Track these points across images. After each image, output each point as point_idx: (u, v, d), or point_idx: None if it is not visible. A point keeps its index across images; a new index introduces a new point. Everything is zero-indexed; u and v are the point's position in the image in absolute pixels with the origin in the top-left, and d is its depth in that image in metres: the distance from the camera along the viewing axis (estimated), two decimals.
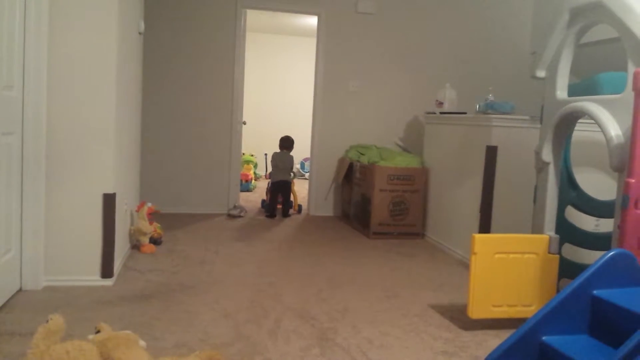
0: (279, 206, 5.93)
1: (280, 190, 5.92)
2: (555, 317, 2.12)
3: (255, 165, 8.75)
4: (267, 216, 5.84)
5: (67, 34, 3.09)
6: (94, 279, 3.25)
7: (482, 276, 2.80)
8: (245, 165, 7.94)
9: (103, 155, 3.20)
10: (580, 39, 2.92)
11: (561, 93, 2.95)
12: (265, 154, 9.37)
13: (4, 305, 2.83)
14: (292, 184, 6.05)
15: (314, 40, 6.06)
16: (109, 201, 3.23)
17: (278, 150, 6.20)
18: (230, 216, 5.66)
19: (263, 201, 6.30)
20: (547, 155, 2.99)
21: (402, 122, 6.06)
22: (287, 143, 6.16)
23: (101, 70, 3.17)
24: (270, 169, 6.45)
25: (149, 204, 4.17)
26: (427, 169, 5.09)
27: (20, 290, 3.07)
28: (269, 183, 6.12)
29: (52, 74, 3.07)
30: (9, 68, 2.78)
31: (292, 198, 6.07)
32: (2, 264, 2.80)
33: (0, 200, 2.75)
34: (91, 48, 3.14)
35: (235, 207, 5.77)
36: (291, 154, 6.12)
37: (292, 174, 6.06)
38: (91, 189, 3.20)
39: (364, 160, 5.24)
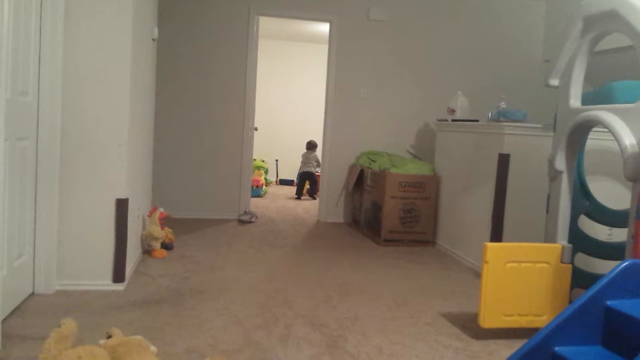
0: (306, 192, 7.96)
1: (306, 178, 7.90)
2: (568, 327, 2.10)
3: (266, 171, 8.77)
4: (295, 198, 7.81)
5: (82, 41, 3.12)
6: (105, 283, 3.26)
7: (494, 285, 2.78)
8: (256, 171, 7.96)
9: (116, 161, 3.23)
10: (594, 48, 2.90)
11: (575, 101, 2.93)
12: (277, 160, 9.40)
13: (16, 308, 2.85)
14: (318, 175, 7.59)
15: (325, 47, 6.08)
16: (121, 206, 3.25)
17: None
18: (241, 222, 5.68)
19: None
20: (560, 163, 2.97)
21: (413, 129, 6.06)
22: (309, 145, 8.18)
23: (115, 76, 3.20)
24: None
25: (161, 209, 4.19)
26: (439, 176, 5.08)
27: (32, 294, 3.09)
28: (300, 174, 8.07)
29: (67, 80, 3.10)
30: (24, 74, 2.81)
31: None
32: (15, 267, 2.83)
33: (14, 205, 2.77)
34: (106, 55, 3.17)
35: (246, 212, 5.78)
36: (315, 153, 7.98)
37: (315, 167, 7.88)
38: (104, 194, 3.22)
39: (375, 167, 5.23)
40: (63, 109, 3.10)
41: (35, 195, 3.04)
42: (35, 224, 3.06)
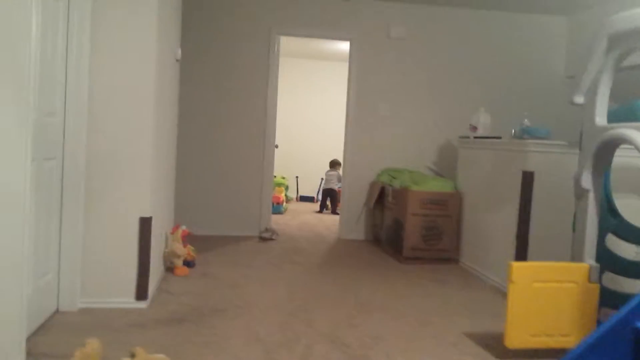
0: (330, 206, 8.29)
1: (328, 194, 8.24)
2: (596, 349, 2.06)
3: (287, 188, 8.78)
4: (317, 212, 8.19)
5: (108, 62, 3.17)
6: (128, 301, 3.28)
7: (520, 305, 2.74)
8: (277, 188, 7.98)
9: (141, 180, 3.26)
10: (619, 65, 2.87)
11: (600, 119, 2.89)
12: (297, 177, 9.42)
13: (41, 326, 2.88)
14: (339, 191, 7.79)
15: (345, 65, 6.11)
16: (145, 225, 3.27)
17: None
18: (262, 239, 5.68)
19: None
20: (587, 182, 2.92)
21: (434, 146, 6.03)
22: (332, 163, 8.51)
23: (140, 97, 3.24)
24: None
25: (183, 227, 4.22)
26: (461, 193, 5.03)
27: (56, 311, 3.12)
28: (322, 190, 8.48)
29: (93, 100, 3.15)
30: (51, 95, 2.86)
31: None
32: (40, 285, 2.86)
33: (41, 223, 2.81)
34: (131, 75, 3.22)
35: (266, 229, 5.79)
36: (338, 171, 8.02)
37: (338, 184, 7.93)
38: (128, 213, 3.25)
39: (396, 184, 5.21)
40: (89, 128, 3.15)
41: (61, 214, 3.08)
42: (60, 242, 3.09)
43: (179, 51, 4.25)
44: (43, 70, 2.73)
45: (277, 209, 7.49)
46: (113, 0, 3.16)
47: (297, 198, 9.41)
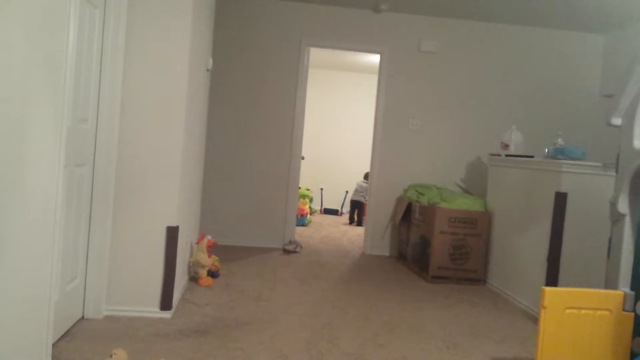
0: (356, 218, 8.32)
1: (355, 206, 8.29)
2: None
3: (311, 200, 8.74)
4: (345, 223, 8.28)
5: (141, 71, 3.20)
6: (153, 310, 3.28)
7: (551, 332, 2.66)
8: (301, 200, 7.95)
9: (169, 189, 3.27)
10: None
11: (639, 142, 2.81)
12: (321, 189, 9.39)
13: (66, 333, 2.88)
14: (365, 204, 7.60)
15: (372, 77, 6.08)
16: (172, 234, 3.28)
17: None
18: (286, 251, 5.65)
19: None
20: (623, 206, 2.84)
21: (463, 163, 5.95)
22: (367, 175, 8.11)
23: (171, 107, 3.26)
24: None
25: (209, 237, 4.21)
26: (491, 212, 4.94)
27: (82, 318, 3.13)
28: (351, 201, 8.41)
29: (124, 108, 3.18)
30: (84, 102, 2.89)
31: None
32: (67, 291, 2.87)
33: (70, 230, 2.82)
34: (163, 84, 3.24)
35: (290, 242, 5.76)
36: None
37: (365, 197, 7.73)
38: (155, 221, 3.26)
39: (424, 200, 5.14)
40: (120, 136, 3.17)
41: (90, 220, 3.10)
42: (88, 249, 3.11)
43: (210, 61, 4.28)
44: (77, 77, 2.75)
45: (300, 221, 7.47)
46: (148, 9, 3.19)
47: (321, 210, 9.37)
